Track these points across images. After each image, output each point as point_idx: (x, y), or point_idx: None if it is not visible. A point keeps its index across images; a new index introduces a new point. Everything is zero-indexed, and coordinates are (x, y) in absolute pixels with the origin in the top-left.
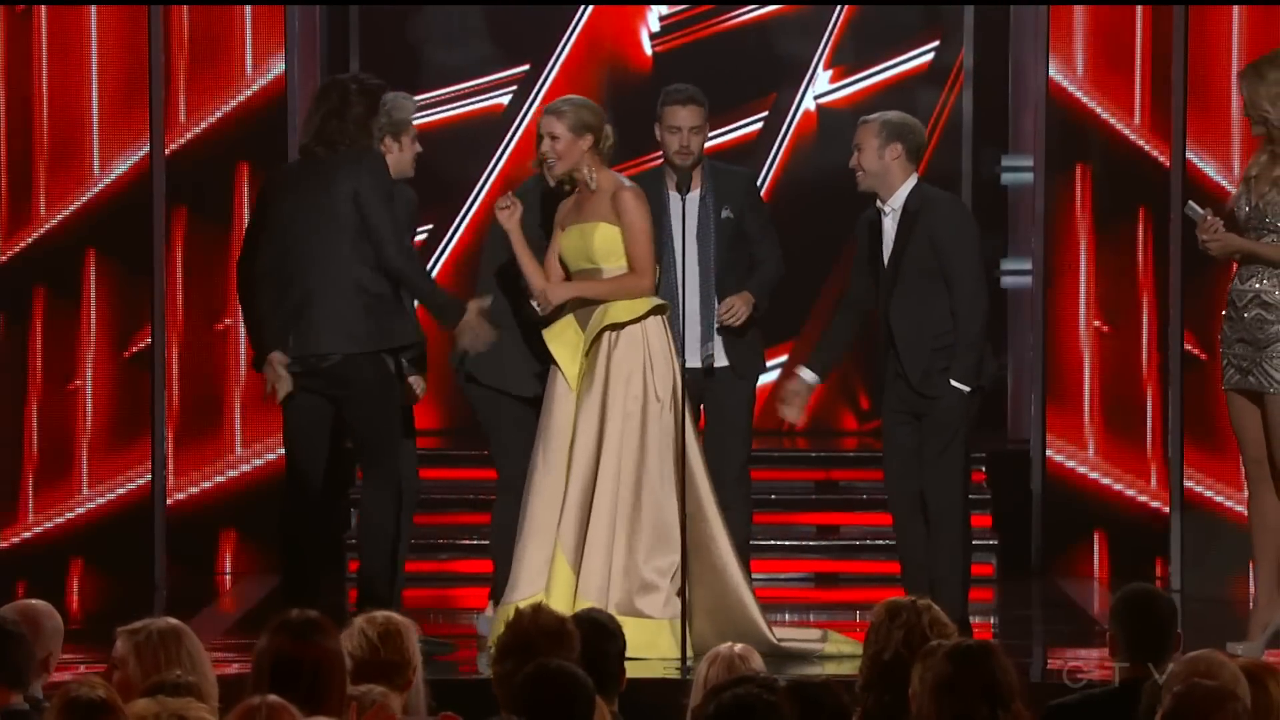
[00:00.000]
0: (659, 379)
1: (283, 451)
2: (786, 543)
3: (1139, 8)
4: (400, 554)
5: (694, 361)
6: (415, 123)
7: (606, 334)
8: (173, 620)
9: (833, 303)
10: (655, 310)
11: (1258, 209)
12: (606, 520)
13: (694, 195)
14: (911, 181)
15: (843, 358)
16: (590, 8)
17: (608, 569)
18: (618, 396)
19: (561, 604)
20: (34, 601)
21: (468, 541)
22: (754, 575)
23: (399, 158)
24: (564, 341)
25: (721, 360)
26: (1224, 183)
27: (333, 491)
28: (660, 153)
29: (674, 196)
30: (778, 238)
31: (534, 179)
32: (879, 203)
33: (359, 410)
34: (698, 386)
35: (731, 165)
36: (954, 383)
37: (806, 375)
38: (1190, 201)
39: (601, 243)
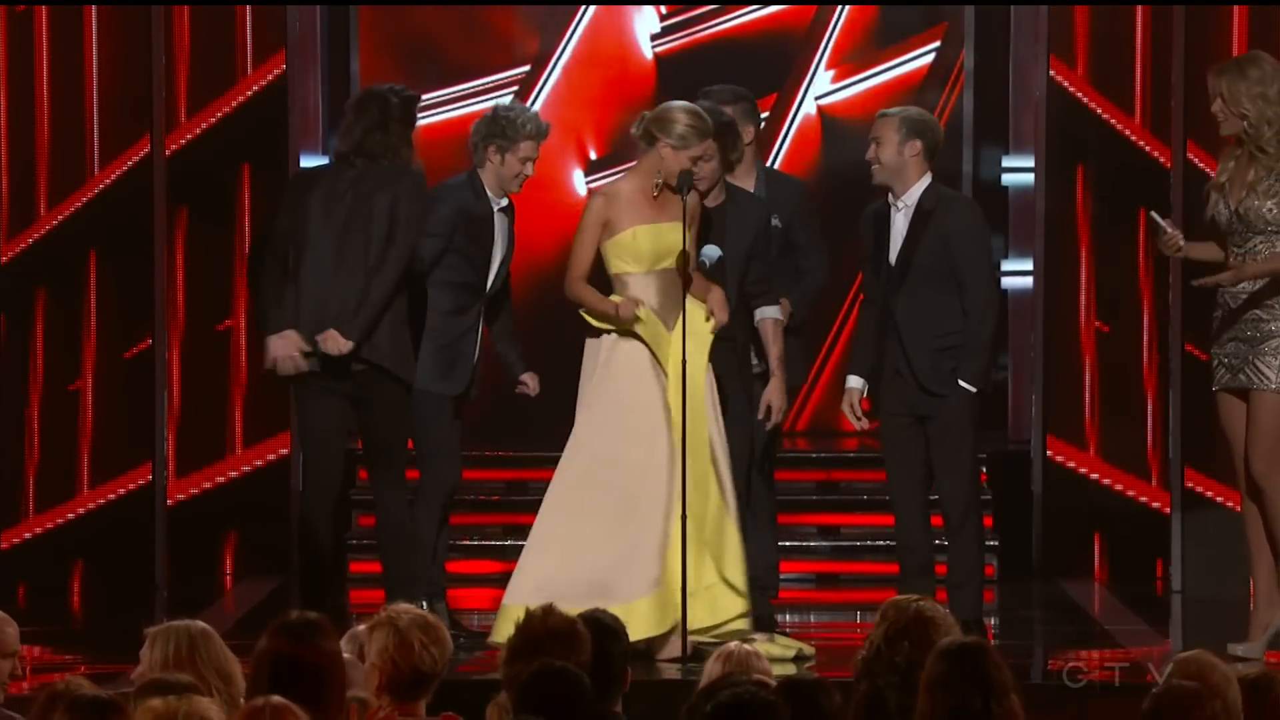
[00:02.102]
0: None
1: (284, 452)
2: (788, 543)
3: (1139, 8)
4: (440, 552)
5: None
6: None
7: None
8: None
9: (832, 301)
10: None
11: (1239, 215)
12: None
13: None
14: (926, 179)
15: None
16: (590, 8)
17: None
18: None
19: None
20: None
21: (468, 542)
22: None
23: (498, 171)
24: (651, 331)
25: (760, 363)
26: None
27: (343, 489)
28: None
29: None
30: (826, 249)
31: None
32: (890, 198)
33: (382, 417)
34: None
35: (786, 174)
36: (962, 383)
37: (854, 382)
38: (1152, 211)
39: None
